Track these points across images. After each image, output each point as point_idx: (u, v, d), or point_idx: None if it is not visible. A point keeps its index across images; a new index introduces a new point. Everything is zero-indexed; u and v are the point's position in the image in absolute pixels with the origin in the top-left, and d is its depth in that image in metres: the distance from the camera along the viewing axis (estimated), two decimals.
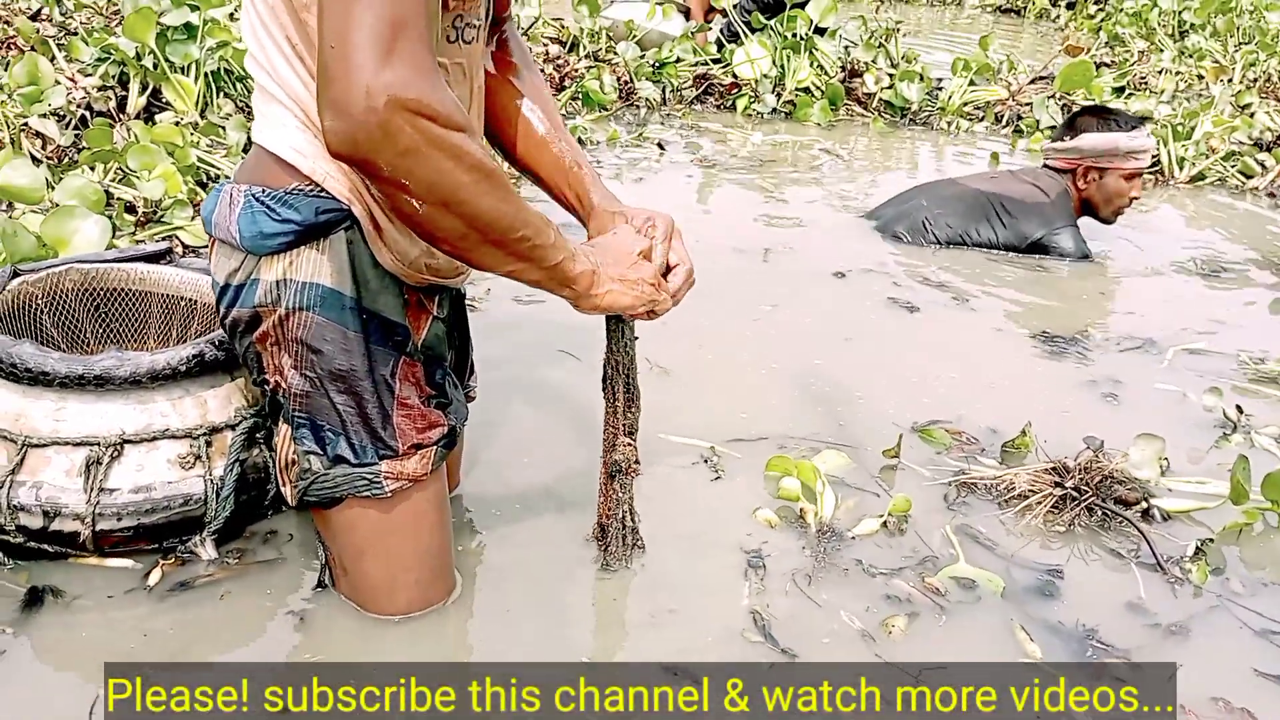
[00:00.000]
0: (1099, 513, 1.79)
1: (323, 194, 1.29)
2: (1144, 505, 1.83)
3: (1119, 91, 5.12)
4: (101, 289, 1.83)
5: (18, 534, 1.50)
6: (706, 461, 1.94)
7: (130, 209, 2.86)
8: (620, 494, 1.57)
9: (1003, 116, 4.89)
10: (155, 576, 1.52)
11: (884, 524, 1.76)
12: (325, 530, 1.48)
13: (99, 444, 1.50)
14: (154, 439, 1.54)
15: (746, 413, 2.12)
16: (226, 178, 1.39)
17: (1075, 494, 1.81)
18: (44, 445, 1.50)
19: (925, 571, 1.65)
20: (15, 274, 1.75)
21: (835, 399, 2.21)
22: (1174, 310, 2.89)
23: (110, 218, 2.56)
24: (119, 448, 1.52)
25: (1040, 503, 1.79)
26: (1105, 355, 2.52)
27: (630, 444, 1.54)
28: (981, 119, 4.90)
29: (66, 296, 1.80)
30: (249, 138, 1.62)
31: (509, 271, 1.27)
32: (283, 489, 1.45)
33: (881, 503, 1.83)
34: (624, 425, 1.54)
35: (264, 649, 1.43)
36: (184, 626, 1.45)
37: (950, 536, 1.73)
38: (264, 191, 1.30)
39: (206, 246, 1.47)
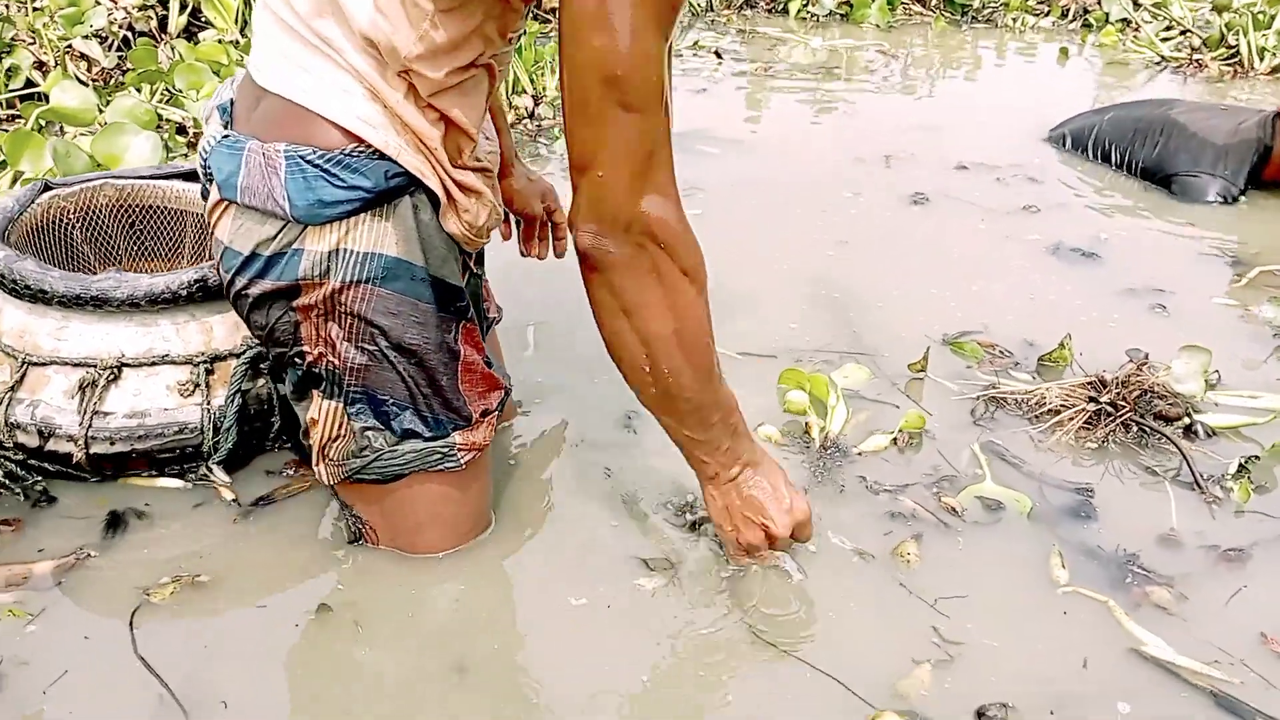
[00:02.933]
0: (1135, 429, 1.73)
1: (387, 157, 1.18)
2: (1186, 421, 1.76)
3: None
4: (137, 205, 1.81)
5: (16, 451, 1.51)
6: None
7: (181, 130, 2.88)
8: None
9: (1069, 11, 4.65)
10: (228, 495, 1.53)
11: (894, 440, 1.72)
12: (369, 506, 1.41)
13: (96, 365, 1.49)
14: (154, 364, 1.51)
15: (767, 321, 2.08)
16: (228, 137, 1.23)
17: (1111, 409, 1.74)
18: (44, 364, 1.50)
19: (942, 490, 1.61)
20: (47, 187, 1.73)
21: (861, 307, 2.16)
22: (1259, 223, 2.71)
23: (163, 140, 2.57)
24: (116, 370, 1.49)
25: (1073, 418, 1.74)
26: (1167, 270, 2.39)
27: None
28: (1047, 14, 4.67)
29: (100, 212, 1.79)
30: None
31: (663, 424, 1.32)
32: (317, 468, 1.36)
33: (896, 419, 1.78)
34: None
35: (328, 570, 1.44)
36: (262, 543, 1.47)
37: (978, 454, 1.69)
38: (316, 153, 1.16)
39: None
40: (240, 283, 1.24)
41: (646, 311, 1.18)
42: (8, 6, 3.06)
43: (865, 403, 1.83)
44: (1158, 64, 4.13)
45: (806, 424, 1.75)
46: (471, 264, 1.38)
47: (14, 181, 2.40)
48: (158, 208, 1.82)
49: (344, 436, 1.32)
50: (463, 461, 1.35)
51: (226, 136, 1.23)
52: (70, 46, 3.07)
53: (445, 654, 1.29)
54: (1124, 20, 4.50)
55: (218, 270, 1.28)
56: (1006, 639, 1.34)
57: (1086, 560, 1.48)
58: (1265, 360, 2.00)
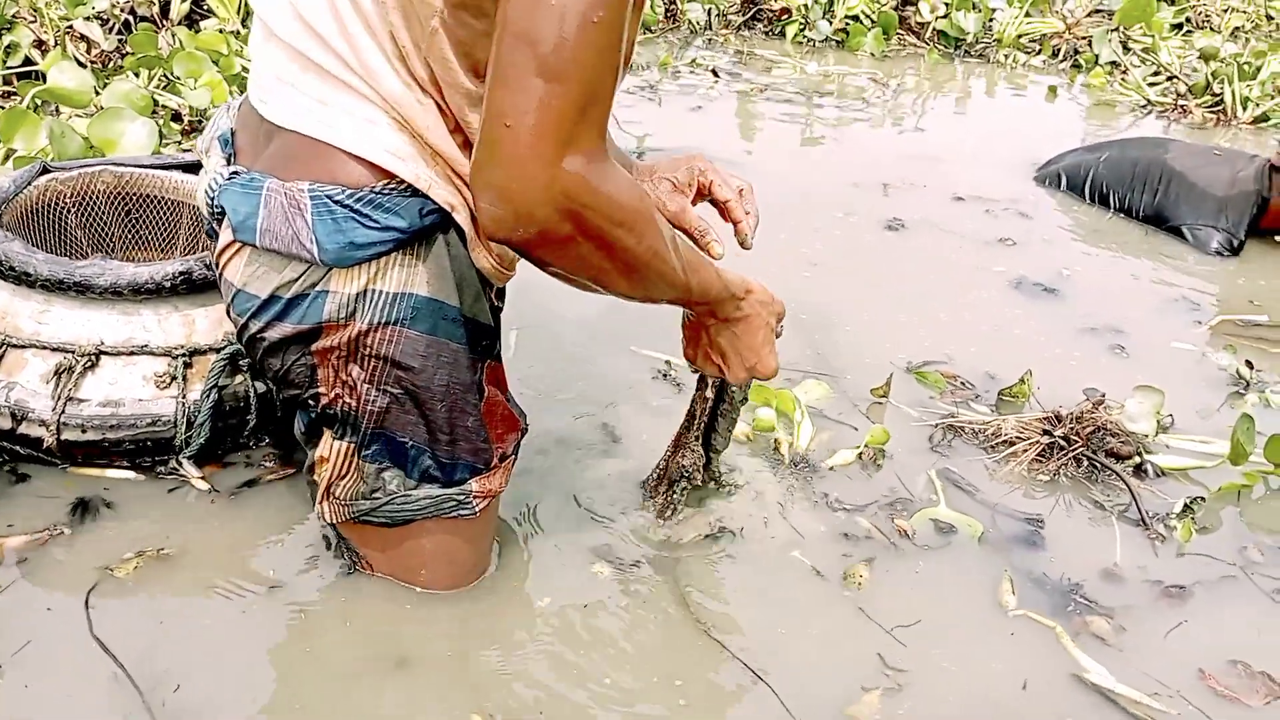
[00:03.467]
0: (1086, 464, 1.78)
1: (419, 192, 1.13)
2: (1137, 460, 1.81)
3: (1177, 28, 4.93)
4: (134, 194, 1.82)
5: None
6: (666, 377, 1.98)
7: (176, 117, 2.90)
8: (675, 497, 1.58)
9: (1060, 50, 4.73)
10: (203, 485, 1.55)
11: (859, 455, 1.77)
12: (370, 545, 1.37)
13: (74, 352, 1.49)
14: (132, 353, 1.51)
15: None
16: (238, 174, 1.17)
17: (1064, 443, 1.79)
18: (24, 346, 1.50)
19: (895, 512, 1.65)
20: (45, 170, 1.74)
21: (827, 329, 2.20)
22: (1228, 271, 2.74)
23: (158, 125, 2.60)
24: (94, 358, 1.50)
25: (1026, 450, 1.79)
26: (1133, 312, 2.43)
27: (698, 453, 1.55)
28: (1038, 52, 4.76)
29: (96, 199, 1.79)
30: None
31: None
32: (320, 505, 1.31)
33: (859, 438, 1.82)
34: (701, 435, 1.54)
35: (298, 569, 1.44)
36: (232, 525, 1.50)
37: (934, 480, 1.73)
38: (344, 192, 1.11)
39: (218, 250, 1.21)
40: (255, 326, 1.19)
41: (585, 269, 1.09)
42: None
43: (827, 422, 1.88)
44: (1143, 107, 4.20)
45: (775, 440, 1.79)
46: (494, 297, 1.28)
47: (5, 158, 2.43)
48: (155, 197, 1.84)
49: (352, 475, 1.27)
50: (477, 510, 1.32)
51: (236, 174, 1.17)
52: (71, 27, 3.09)
53: (388, 645, 1.33)
54: (1113, 63, 4.58)
55: (228, 312, 1.23)
56: (955, 663, 1.38)
57: (1033, 588, 1.53)
58: (1219, 408, 2.05)
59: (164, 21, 3.41)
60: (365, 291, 1.14)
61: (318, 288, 1.14)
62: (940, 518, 1.65)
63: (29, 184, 1.70)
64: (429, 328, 1.18)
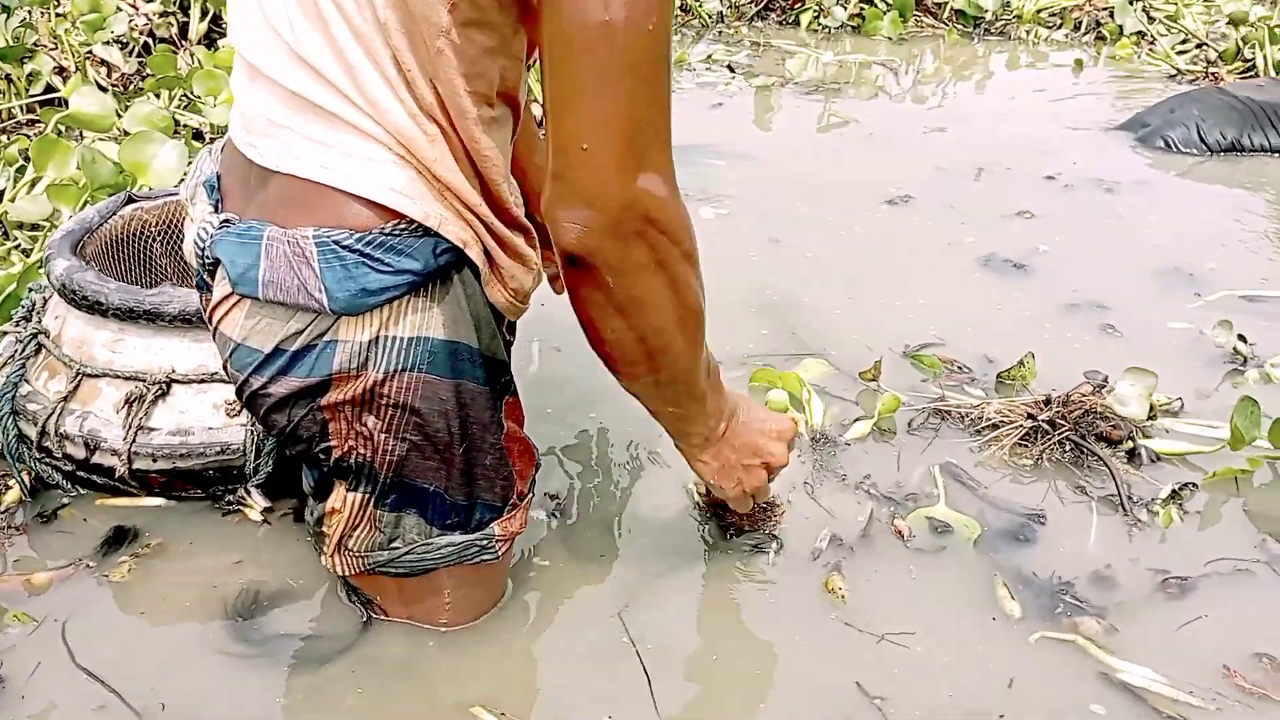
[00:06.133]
0: (1072, 449, 1.75)
1: (430, 231, 1.07)
2: (1130, 445, 1.77)
3: None
4: None
5: (65, 462, 1.52)
6: None
7: (198, 135, 2.98)
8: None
9: (1081, 23, 4.65)
10: (255, 515, 1.54)
11: (875, 426, 1.80)
12: (386, 595, 1.33)
13: (145, 380, 1.49)
14: (203, 381, 1.50)
15: (735, 330, 2.12)
16: (231, 224, 1.11)
17: (1048, 427, 1.77)
18: (97, 375, 1.51)
19: (896, 512, 1.63)
20: (130, 200, 1.75)
21: (828, 314, 2.21)
22: (1244, 245, 2.65)
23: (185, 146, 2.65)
24: (165, 386, 1.49)
25: (1009, 434, 1.77)
26: (1121, 286, 2.37)
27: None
28: (1060, 26, 4.68)
29: (181, 227, 1.78)
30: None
31: (646, 404, 1.23)
32: (331, 558, 1.27)
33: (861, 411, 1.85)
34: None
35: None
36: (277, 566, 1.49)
37: (936, 477, 1.70)
38: (352, 236, 1.05)
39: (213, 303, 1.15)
40: (258, 382, 1.12)
41: (648, 309, 1.07)
42: (30, 12, 3.19)
43: (831, 399, 1.90)
44: (1173, 76, 4.11)
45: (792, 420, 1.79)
46: (505, 332, 1.24)
47: (32, 186, 2.50)
48: None
49: (366, 525, 1.23)
50: (500, 554, 1.29)
51: (228, 222, 1.11)
52: (91, 52, 3.19)
53: (381, 648, 1.35)
54: (1139, 33, 4.48)
55: (225, 369, 1.18)
56: (946, 678, 1.34)
57: (1022, 588, 1.47)
58: (1216, 387, 1.98)
59: (183, 42, 3.50)
60: (378, 339, 1.09)
61: (325, 338, 1.09)
62: (937, 516, 1.61)
63: (114, 214, 1.72)
64: (448, 370, 1.13)
